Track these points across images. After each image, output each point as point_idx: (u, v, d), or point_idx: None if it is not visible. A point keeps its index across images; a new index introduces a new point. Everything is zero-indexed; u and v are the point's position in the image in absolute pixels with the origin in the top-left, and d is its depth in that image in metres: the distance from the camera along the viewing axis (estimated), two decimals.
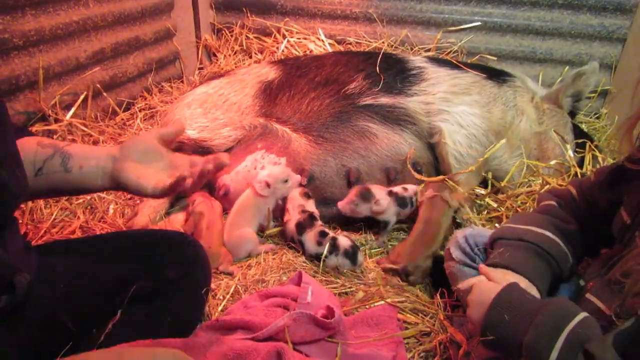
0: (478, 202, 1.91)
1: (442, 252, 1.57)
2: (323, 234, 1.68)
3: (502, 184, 1.93)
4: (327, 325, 1.27)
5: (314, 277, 1.60)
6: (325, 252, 1.63)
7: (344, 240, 1.67)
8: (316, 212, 1.78)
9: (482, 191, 1.92)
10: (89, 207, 1.87)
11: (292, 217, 1.75)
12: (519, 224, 1.26)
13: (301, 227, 1.72)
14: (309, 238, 1.70)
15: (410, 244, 1.70)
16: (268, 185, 1.78)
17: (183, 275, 1.17)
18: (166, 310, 1.15)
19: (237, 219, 1.77)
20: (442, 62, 2.21)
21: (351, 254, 1.63)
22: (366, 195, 1.77)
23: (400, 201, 1.81)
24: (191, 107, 2.03)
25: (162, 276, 1.15)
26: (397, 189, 1.84)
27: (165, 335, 0.94)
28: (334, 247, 1.64)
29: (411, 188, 1.85)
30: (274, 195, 1.82)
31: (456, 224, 1.83)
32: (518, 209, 1.78)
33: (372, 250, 1.82)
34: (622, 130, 1.07)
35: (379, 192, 1.79)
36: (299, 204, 1.77)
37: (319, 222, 1.75)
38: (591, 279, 1.14)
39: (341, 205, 1.80)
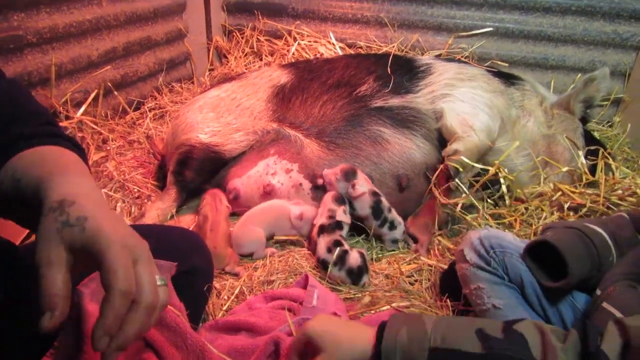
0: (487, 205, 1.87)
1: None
2: (337, 244, 1.65)
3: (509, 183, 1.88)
4: None
5: (319, 281, 1.58)
6: (331, 261, 1.61)
7: (354, 257, 1.62)
8: (346, 221, 1.76)
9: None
10: None
11: (319, 221, 1.76)
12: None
13: (321, 230, 1.72)
14: (322, 242, 1.68)
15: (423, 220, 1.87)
16: (301, 217, 1.80)
17: (184, 272, 1.15)
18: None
19: (258, 216, 1.78)
20: (451, 60, 2.20)
21: (355, 274, 1.60)
22: (349, 175, 1.79)
23: (377, 210, 1.80)
24: (203, 111, 2.02)
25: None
26: (385, 200, 1.82)
27: None
28: (341, 260, 1.61)
29: (398, 219, 1.84)
30: (299, 228, 1.83)
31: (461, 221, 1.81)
32: (533, 214, 1.76)
33: (379, 255, 1.81)
34: None
35: (362, 181, 1.80)
36: (328, 209, 1.76)
37: (341, 232, 1.72)
38: (614, 281, 1.10)
39: (325, 172, 1.84)
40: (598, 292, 1.14)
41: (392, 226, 1.82)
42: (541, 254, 1.24)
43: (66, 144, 0.87)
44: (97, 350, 0.61)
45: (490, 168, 1.79)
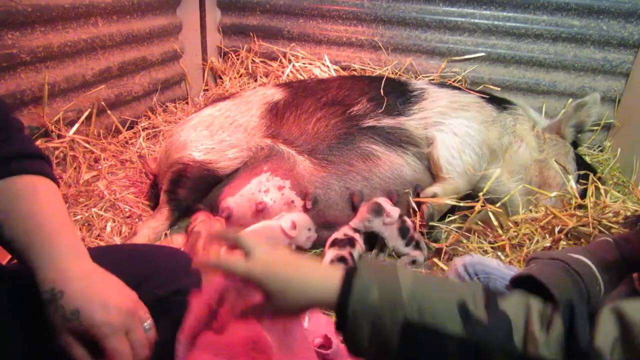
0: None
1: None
2: (341, 259, 1.69)
3: (497, 205, 1.87)
4: (324, 356, 1.23)
5: None
6: None
7: None
8: (358, 243, 1.79)
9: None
10: (86, 224, 1.85)
11: (333, 236, 1.81)
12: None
13: (333, 243, 1.78)
14: (330, 254, 1.74)
15: None
16: (295, 226, 1.77)
17: (172, 292, 1.12)
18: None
19: None
20: (444, 85, 2.23)
21: None
22: (378, 210, 1.80)
23: (404, 230, 1.82)
24: (197, 129, 2.02)
25: (150, 293, 1.09)
26: (409, 221, 1.85)
27: None
28: None
29: (423, 243, 1.86)
30: (295, 240, 1.80)
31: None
32: (524, 237, 1.75)
33: None
34: None
35: (389, 206, 1.82)
36: (344, 233, 1.81)
37: (351, 250, 1.75)
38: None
39: (354, 224, 1.82)
40: None
41: (418, 246, 1.84)
42: (527, 286, 1.23)
43: (34, 166, 0.94)
44: None
45: (475, 204, 1.80)
